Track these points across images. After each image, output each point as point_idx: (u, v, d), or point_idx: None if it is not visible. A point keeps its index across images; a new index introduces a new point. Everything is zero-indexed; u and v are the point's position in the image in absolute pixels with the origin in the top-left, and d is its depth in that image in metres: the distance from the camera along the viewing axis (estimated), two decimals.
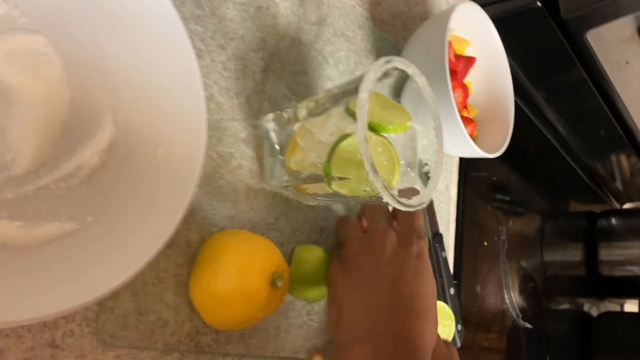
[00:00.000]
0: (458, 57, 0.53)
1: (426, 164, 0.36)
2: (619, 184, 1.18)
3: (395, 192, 0.31)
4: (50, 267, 0.26)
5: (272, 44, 0.42)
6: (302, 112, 0.36)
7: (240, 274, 0.31)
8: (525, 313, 0.79)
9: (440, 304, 0.53)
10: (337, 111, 0.33)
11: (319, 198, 0.39)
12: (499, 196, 0.78)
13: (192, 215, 0.34)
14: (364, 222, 0.42)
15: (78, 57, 0.29)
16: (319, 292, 0.40)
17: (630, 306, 1.26)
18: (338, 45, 0.48)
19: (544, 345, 0.88)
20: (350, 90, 0.33)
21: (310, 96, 0.40)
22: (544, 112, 0.86)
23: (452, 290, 0.58)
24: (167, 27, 0.31)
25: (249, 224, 0.38)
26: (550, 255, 0.94)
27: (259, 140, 0.40)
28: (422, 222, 0.41)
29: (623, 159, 1.06)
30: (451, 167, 0.66)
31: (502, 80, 0.57)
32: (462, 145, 0.49)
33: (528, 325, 0.79)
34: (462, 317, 0.60)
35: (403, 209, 0.31)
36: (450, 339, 0.54)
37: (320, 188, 0.36)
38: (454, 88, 0.49)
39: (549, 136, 0.92)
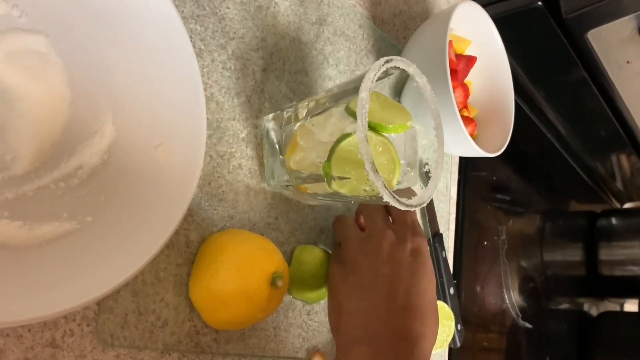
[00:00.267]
0: (459, 56, 0.53)
1: (426, 164, 0.36)
2: (619, 184, 1.18)
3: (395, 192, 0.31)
4: (50, 267, 0.26)
5: (272, 44, 0.42)
6: (302, 112, 0.36)
7: (240, 274, 0.31)
8: (525, 313, 0.79)
9: (440, 304, 0.53)
10: (338, 111, 0.33)
11: (319, 198, 0.39)
12: (499, 196, 0.78)
13: (192, 215, 0.34)
14: (362, 220, 0.42)
15: (78, 57, 0.29)
16: (318, 293, 0.40)
17: (630, 306, 1.26)
18: (338, 45, 0.48)
19: (544, 345, 0.88)
20: (351, 89, 0.33)
21: (311, 96, 0.40)
22: (544, 111, 0.86)
23: (452, 290, 0.58)
24: (167, 26, 0.30)
25: (249, 224, 0.38)
26: (550, 255, 0.94)
27: (259, 140, 0.39)
28: (414, 217, 0.40)
29: (623, 159, 1.06)
30: (451, 167, 0.66)
31: (503, 79, 0.57)
32: (463, 144, 0.49)
33: (528, 325, 0.79)
34: (462, 317, 0.60)
35: (404, 208, 0.31)
36: (450, 339, 0.54)
37: (320, 188, 0.36)
38: (454, 87, 0.49)
39: (549, 136, 0.92)
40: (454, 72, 0.51)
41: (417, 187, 0.38)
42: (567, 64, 0.73)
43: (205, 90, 0.36)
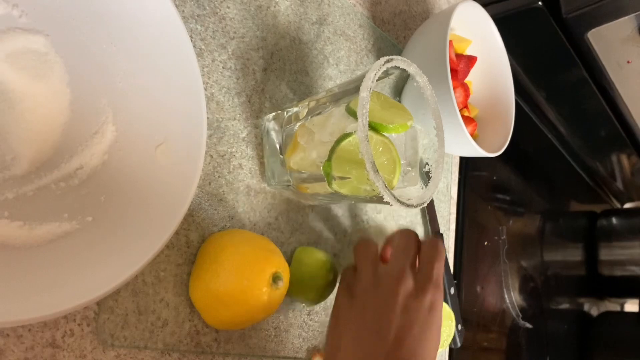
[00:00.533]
0: (459, 56, 0.53)
1: (427, 164, 0.36)
2: (619, 184, 1.18)
3: (396, 192, 0.31)
4: (50, 267, 0.25)
5: (273, 43, 0.42)
6: (303, 112, 0.36)
7: (240, 274, 0.31)
8: (525, 313, 0.79)
9: None
10: (338, 110, 0.33)
11: (320, 198, 0.39)
12: (499, 196, 0.78)
13: (192, 215, 0.34)
14: (387, 252, 0.39)
15: (78, 57, 0.29)
16: (318, 295, 0.40)
17: (630, 306, 1.26)
18: (339, 45, 0.48)
19: (544, 345, 0.88)
20: (351, 89, 0.33)
21: (311, 95, 0.39)
22: (544, 111, 0.86)
23: (452, 290, 0.58)
24: (168, 26, 0.30)
25: (249, 224, 0.38)
26: (550, 255, 0.94)
27: (260, 140, 0.39)
28: (442, 271, 0.37)
29: (624, 159, 1.06)
30: (451, 167, 0.66)
31: (503, 79, 0.57)
32: (463, 144, 0.49)
33: (528, 325, 0.79)
34: (462, 317, 0.60)
35: (404, 208, 0.31)
36: (450, 339, 0.54)
37: (320, 188, 0.35)
38: (454, 87, 0.49)
39: (549, 136, 0.92)
40: (454, 71, 0.51)
41: (418, 187, 0.38)
42: (567, 64, 0.73)
43: (205, 90, 0.36)
